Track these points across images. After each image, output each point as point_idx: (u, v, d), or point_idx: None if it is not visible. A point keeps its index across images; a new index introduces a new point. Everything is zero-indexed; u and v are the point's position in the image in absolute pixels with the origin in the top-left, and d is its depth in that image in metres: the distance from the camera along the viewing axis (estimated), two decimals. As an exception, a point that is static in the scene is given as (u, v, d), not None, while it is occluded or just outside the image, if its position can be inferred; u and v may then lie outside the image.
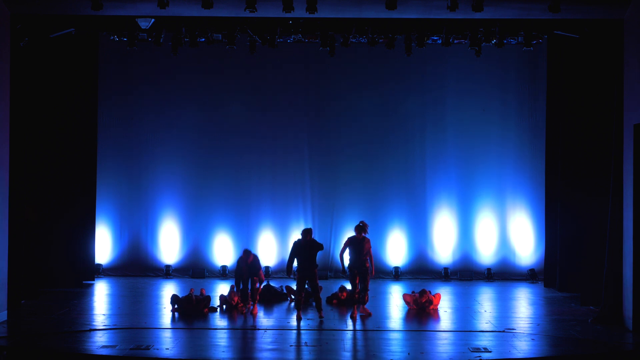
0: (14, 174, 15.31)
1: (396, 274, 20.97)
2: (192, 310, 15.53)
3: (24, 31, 15.48)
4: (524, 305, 17.40)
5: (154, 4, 13.92)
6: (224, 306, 16.10)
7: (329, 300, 16.86)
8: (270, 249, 20.99)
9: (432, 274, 20.96)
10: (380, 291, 18.82)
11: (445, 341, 13.35)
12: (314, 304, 15.35)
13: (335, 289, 17.28)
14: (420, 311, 16.04)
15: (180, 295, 15.91)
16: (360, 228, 15.22)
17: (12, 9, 14.83)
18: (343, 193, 21.33)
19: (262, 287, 16.41)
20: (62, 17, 16.34)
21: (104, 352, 12.27)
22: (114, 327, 14.17)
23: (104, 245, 21.24)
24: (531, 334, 13.89)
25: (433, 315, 15.74)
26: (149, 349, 12.36)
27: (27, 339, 13.11)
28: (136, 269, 21.19)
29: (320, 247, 14.98)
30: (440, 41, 17.78)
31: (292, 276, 15.22)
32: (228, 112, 21.39)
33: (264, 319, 15.16)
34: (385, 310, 16.38)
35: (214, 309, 15.91)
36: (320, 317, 15.01)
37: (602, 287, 15.26)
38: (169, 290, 18.54)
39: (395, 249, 21.15)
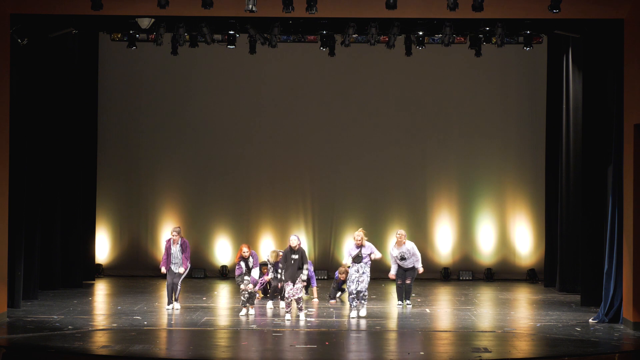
0: (13, 173, 15.29)
1: (396, 274, 20.94)
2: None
3: (24, 31, 15.45)
4: (524, 305, 17.40)
5: (154, 4, 13.91)
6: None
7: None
8: (270, 249, 20.92)
9: (432, 274, 20.95)
10: (381, 291, 18.82)
11: (445, 341, 13.34)
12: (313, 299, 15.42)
13: (333, 288, 17.32)
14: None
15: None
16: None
17: (12, 9, 14.81)
18: (343, 193, 21.34)
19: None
20: (62, 16, 16.32)
21: (104, 352, 12.26)
22: (114, 327, 14.16)
23: (104, 245, 21.25)
24: (531, 334, 13.88)
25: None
26: (149, 349, 12.35)
27: (27, 339, 13.10)
28: (136, 269, 21.19)
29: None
30: (440, 41, 17.77)
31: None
32: (228, 111, 21.39)
33: (264, 319, 15.16)
34: (385, 310, 16.37)
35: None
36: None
37: (602, 287, 15.26)
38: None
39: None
